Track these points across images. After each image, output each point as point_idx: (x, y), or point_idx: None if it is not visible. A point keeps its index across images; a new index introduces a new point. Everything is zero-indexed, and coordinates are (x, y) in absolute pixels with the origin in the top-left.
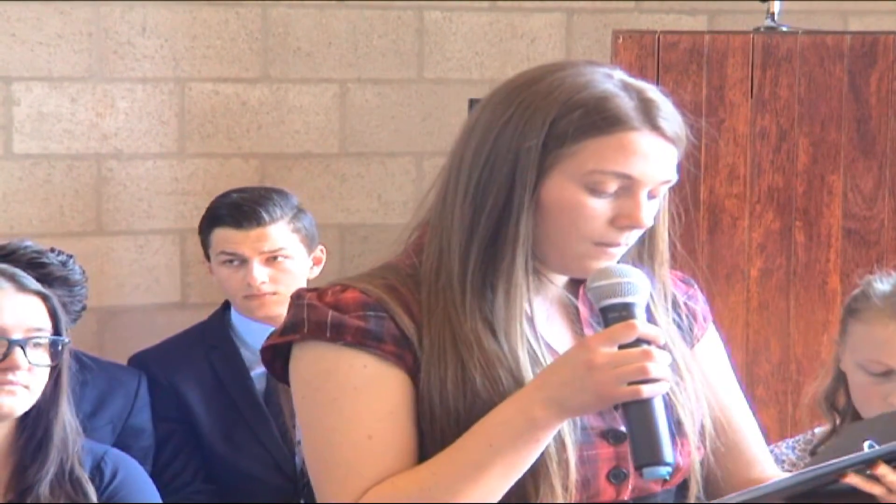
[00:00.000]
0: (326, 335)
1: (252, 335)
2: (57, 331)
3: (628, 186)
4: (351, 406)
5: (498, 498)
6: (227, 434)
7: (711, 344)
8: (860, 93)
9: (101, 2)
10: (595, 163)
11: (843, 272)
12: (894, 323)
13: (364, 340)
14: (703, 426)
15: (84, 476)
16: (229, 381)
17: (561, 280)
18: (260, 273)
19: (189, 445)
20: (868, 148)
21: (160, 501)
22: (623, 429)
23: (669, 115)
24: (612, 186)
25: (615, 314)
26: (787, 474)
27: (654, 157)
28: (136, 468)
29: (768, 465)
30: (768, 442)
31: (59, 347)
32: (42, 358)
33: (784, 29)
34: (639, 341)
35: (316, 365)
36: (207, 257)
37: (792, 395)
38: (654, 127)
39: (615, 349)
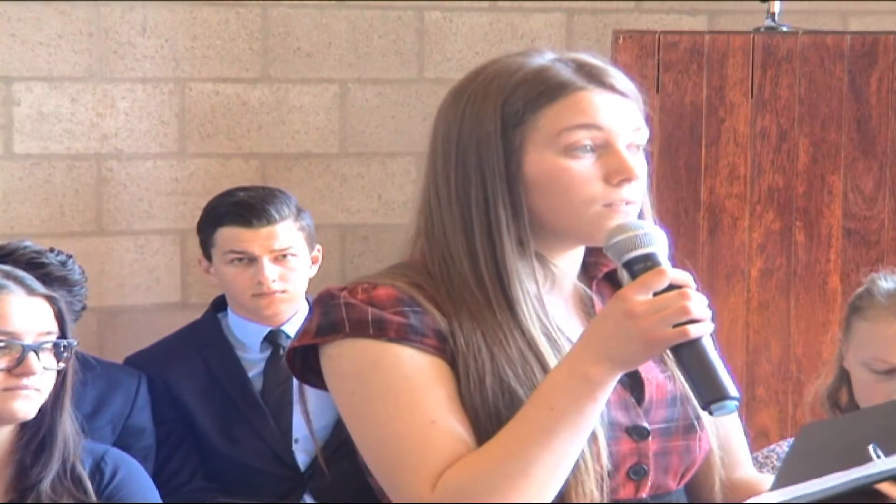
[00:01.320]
0: (369, 332)
1: (249, 336)
2: (63, 333)
3: (603, 143)
4: (406, 394)
5: (571, 463)
6: (224, 430)
7: None
8: (860, 93)
9: (101, 2)
10: (556, 124)
11: (843, 272)
12: None
13: (407, 335)
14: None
15: (85, 475)
16: (224, 378)
17: (573, 272)
18: (271, 271)
19: (186, 444)
20: (868, 148)
21: (160, 500)
22: (646, 425)
23: (614, 73)
24: (586, 143)
25: (640, 265)
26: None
27: (612, 109)
28: (135, 467)
29: (749, 467)
30: (768, 442)
31: (64, 349)
32: (52, 361)
33: (784, 29)
34: (671, 287)
35: (361, 359)
36: (207, 256)
37: (792, 395)
38: (600, 83)
39: (650, 297)
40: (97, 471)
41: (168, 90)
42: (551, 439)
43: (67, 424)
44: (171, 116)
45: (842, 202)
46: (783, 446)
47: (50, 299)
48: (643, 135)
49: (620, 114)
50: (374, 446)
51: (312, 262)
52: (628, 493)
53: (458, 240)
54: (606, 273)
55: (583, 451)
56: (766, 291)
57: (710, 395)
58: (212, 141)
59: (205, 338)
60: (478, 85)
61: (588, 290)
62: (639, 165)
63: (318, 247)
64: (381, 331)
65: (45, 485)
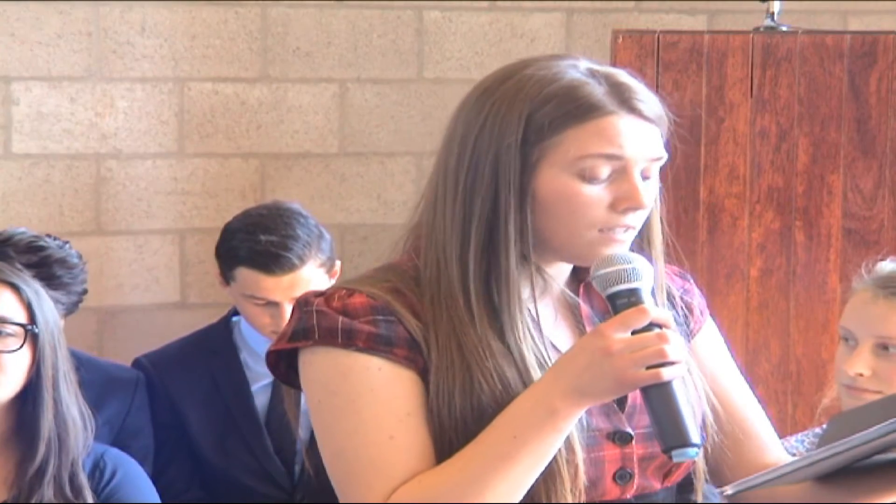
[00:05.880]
0: (338, 341)
1: (261, 345)
2: (32, 321)
3: (620, 169)
4: (369, 407)
5: (524, 491)
6: (219, 442)
7: (710, 336)
8: (860, 92)
9: (100, 1)
10: (579, 149)
11: (842, 272)
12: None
13: (376, 345)
14: (703, 419)
15: (85, 481)
16: (227, 389)
17: (562, 278)
18: None
19: (184, 452)
20: (868, 148)
21: (159, 501)
22: (629, 430)
23: (644, 97)
24: (604, 170)
25: (623, 300)
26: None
27: (637, 137)
28: (134, 467)
29: (779, 450)
30: None
31: (26, 333)
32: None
33: (784, 29)
34: (651, 325)
35: (331, 368)
36: (224, 278)
37: (792, 395)
38: (631, 109)
39: (629, 335)
40: (96, 471)
41: (167, 90)
42: (511, 467)
43: (49, 419)
44: (171, 116)
45: (841, 202)
46: (791, 441)
47: (12, 286)
48: (660, 163)
49: (643, 142)
50: (332, 456)
51: (330, 277)
52: (614, 497)
53: (453, 245)
54: None
55: (559, 460)
56: (766, 291)
57: (673, 440)
58: (211, 140)
59: (215, 345)
60: (505, 90)
61: (574, 296)
62: (648, 194)
63: (337, 262)
64: (349, 340)
65: (45, 491)
